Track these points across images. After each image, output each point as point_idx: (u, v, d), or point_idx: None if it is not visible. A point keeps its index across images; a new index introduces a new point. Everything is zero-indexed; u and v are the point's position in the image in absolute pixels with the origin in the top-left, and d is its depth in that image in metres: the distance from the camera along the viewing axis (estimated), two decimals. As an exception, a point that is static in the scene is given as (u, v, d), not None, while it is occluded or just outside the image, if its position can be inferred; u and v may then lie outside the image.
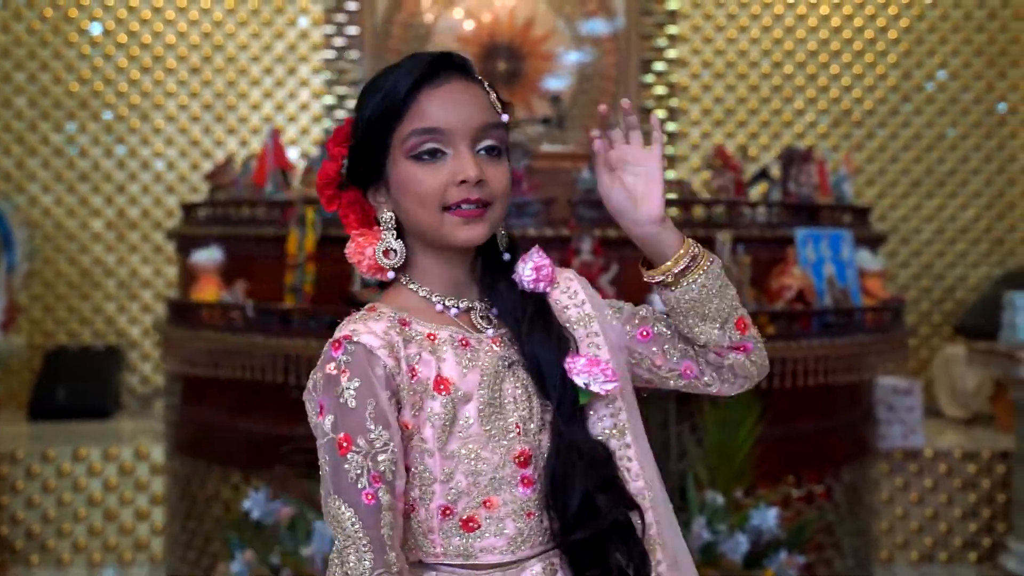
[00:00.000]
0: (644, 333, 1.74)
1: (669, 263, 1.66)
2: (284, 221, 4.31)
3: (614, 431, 1.69)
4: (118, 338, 6.56)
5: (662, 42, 6.86)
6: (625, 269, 4.01)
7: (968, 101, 7.06)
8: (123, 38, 6.59)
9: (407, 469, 1.59)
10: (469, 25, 6.64)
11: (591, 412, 1.68)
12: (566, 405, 1.63)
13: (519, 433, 1.61)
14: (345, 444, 1.53)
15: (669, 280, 1.67)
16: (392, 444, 1.54)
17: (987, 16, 7.07)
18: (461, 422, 1.59)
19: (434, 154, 1.59)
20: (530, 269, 1.67)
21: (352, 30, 6.66)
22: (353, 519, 1.52)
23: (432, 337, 1.62)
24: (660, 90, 6.85)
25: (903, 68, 7.04)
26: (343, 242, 1.71)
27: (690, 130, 6.90)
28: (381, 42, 6.66)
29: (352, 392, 1.53)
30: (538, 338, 1.65)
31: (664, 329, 1.75)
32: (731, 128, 6.94)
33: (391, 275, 1.67)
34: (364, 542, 1.52)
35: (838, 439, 4.67)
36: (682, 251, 1.66)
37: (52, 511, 5.29)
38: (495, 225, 1.64)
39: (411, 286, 1.66)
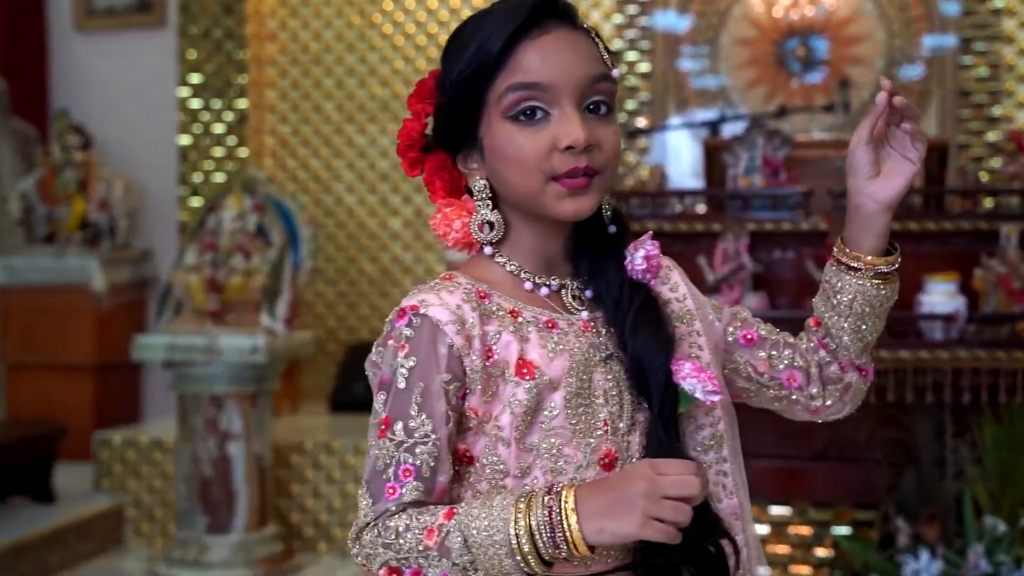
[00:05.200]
0: (748, 337, 1.58)
1: (889, 257, 1.52)
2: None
3: (712, 442, 1.52)
4: (415, 334, 6.71)
5: (985, 17, 6.24)
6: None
7: None
8: (421, 40, 6.74)
9: (473, 460, 1.43)
10: (776, 10, 6.31)
11: (690, 421, 1.51)
12: (667, 411, 1.45)
13: (607, 432, 1.44)
14: (383, 427, 1.40)
15: (870, 274, 1.52)
16: (436, 436, 1.38)
17: None
18: (545, 412, 1.42)
19: (535, 113, 1.41)
20: (641, 258, 1.49)
21: (644, 20, 6.48)
22: (368, 512, 1.40)
23: (515, 314, 1.45)
24: (982, 71, 6.23)
25: None
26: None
27: (1016, 114, 6.23)
28: (670, 33, 6.45)
29: (405, 371, 1.39)
30: (645, 334, 1.46)
31: (767, 334, 1.58)
32: (1066, 109, 6.21)
33: (488, 250, 1.50)
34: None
35: None
36: (897, 255, 1.53)
37: (337, 502, 5.46)
38: (604, 195, 1.47)
39: (498, 259, 1.49)
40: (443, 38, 6.71)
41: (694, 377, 1.43)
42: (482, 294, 1.45)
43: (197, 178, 6.66)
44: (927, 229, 3.69)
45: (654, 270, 1.51)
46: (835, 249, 1.55)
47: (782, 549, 3.80)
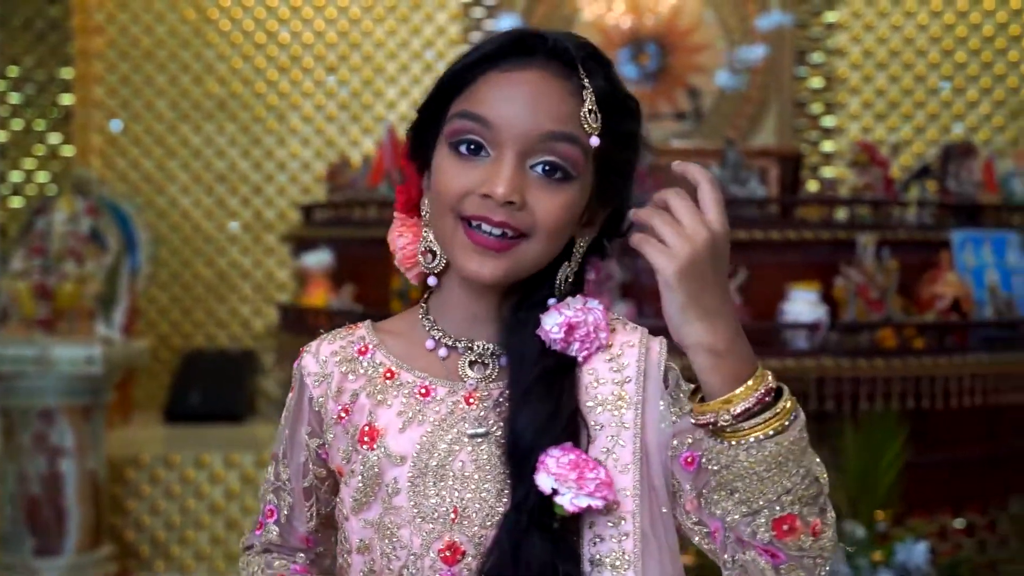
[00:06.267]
0: (689, 459, 1.24)
1: (697, 408, 1.17)
2: (394, 222, 4.11)
3: (611, 559, 1.23)
4: (254, 342, 6.49)
5: (819, 31, 6.41)
6: (755, 275, 3.64)
7: None
8: (261, 38, 6.52)
9: (336, 527, 1.38)
10: (612, 17, 6.33)
11: (589, 527, 1.23)
12: (528, 506, 1.20)
13: (455, 520, 1.24)
14: (271, 460, 1.42)
15: (701, 423, 1.17)
16: (292, 486, 1.39)
17: None
18: (387, 487, 1.27)
19: (476, 149, 1.23)
20: (557, 325, 1.25)
21: (490, 24, 6.44)
22: (246, 536, 1.46)
23: (391, 375, 1.31)
24: (816, 83, 6.40)
25: (1092, 54, 6.41)
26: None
27: (849, 125, 6.43)
28: (520, 37, 6.41)
29: (287, 414, 1.40)
30: (530, 411, 1.22)
31: None
32: (895, 122, 6.43)
33: (432, 280, 1.32)
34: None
35: (1007, 467, 4.20)
36: (718, 402, 1.14)
37: (176, 517, 5.21)
38: (526, 266, 1.25)
39: (420, 308, 1.35)
40: (284, 36, 6.51)
41: (561, 473, 1.18)
42: (363, 349, 1.34)
43: (17, 177, 6.28)
44: (787, 238, 3.73)
45: (584, 342, 1.26)
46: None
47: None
